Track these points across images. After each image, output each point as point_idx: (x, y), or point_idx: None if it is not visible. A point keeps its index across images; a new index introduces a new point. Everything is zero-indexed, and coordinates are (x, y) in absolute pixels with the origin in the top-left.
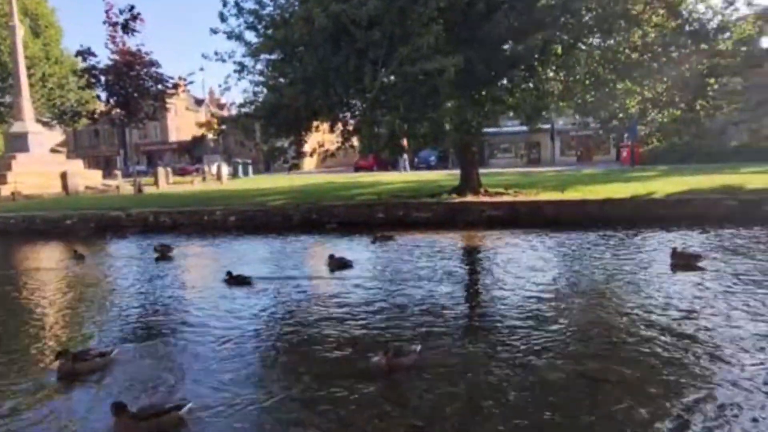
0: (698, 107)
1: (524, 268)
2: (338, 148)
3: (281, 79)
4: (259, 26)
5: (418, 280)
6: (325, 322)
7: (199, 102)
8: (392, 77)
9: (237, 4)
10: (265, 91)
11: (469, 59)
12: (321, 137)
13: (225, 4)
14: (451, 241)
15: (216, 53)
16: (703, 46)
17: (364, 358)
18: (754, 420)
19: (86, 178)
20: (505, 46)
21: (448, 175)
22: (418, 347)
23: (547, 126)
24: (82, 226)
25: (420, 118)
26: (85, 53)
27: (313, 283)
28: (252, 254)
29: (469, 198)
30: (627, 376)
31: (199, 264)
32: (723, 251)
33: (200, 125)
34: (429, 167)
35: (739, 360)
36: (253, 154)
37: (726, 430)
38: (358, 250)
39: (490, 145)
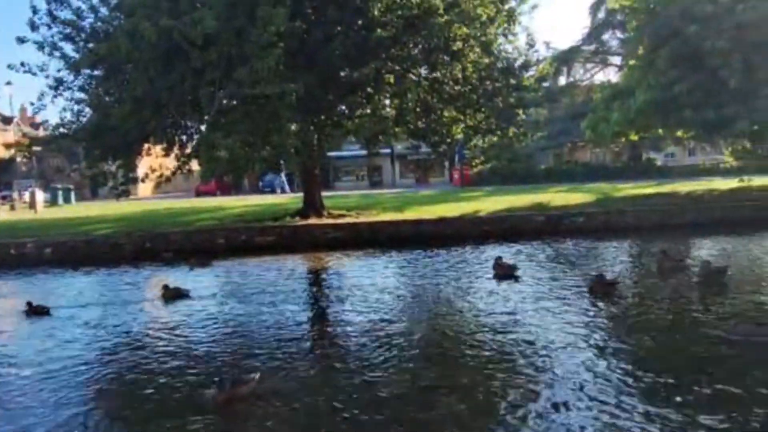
0: (511, 134)
1: (365, 286)
2: (174, 173)
3: (107, 98)
4: (78, 38)
5: (260, 305)
6: (153, 356)
7: (7, 120)
8: (232, 100)
9: (50, 13)
10: (87, 110)
11: (309, 84)
12: (155, 161)
13: (35, 12)
14: (295, 264)
15: (23, 64)
16: (512, 81)
17: (198, 392)
18: (568, 410)
19: None
20: (343, 73)
21: (293, 199)
22: (257, 375)
23: (387, 150)
24: None
25: (262, 142)
26: None
27: (145, 314)
28: (67, 289)
29: (313, 220)
30: (459, 382)
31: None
32: (536, 261)
33: (8, 146)
34: (274, 191)
35: (552, 363)
36: (76, 180)
37: (546, 426)
38: (196, 278)
39: (335, 168)
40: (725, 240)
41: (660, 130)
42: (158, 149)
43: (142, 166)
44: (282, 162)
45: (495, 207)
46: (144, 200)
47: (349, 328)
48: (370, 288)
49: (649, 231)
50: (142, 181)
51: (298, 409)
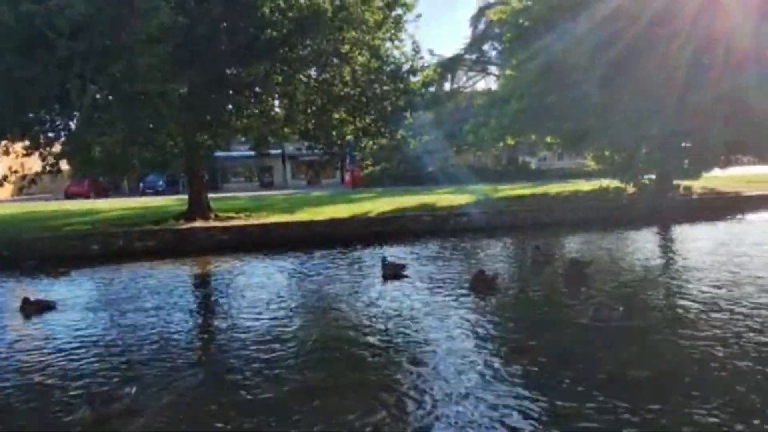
0: (399, 137)
1: (254, 291)
2: (40, 173)
3: None
4: None
5: (138, 314)
6: (12, 376)
7: None
8: (108, 95)
9: None
10: None
11: (194, 82)
12: (16, 161)
13: None
14: (179, 269)
15: None
16: (400, 84)
17: (66, 412)
18: (449, 403)
19: None
20: (230, 72)
21: (176, 201)
22: (133, 389)
23: (278, 151)
24: None
25: (144, 142)
26: None
27: (2, 332)
28: None
29: (199, 223)
30: (346, 381)
31: None
32: (423, 260)
33: None
34: (157, 192)
35: (435, 358)
36: None
37: (427, 419)
38: (66, 289)
39: (223, 169)
40: (588, 236)
41: (533, 136)
42: (18, 147)
43: (1, 167)
44: (149, 165)
45: (385, 208)
46: (2, 203)
47: (236, 334)
48: (260, 292)
49: (523, 229)
50: (0, 184)
51: (181, 422)
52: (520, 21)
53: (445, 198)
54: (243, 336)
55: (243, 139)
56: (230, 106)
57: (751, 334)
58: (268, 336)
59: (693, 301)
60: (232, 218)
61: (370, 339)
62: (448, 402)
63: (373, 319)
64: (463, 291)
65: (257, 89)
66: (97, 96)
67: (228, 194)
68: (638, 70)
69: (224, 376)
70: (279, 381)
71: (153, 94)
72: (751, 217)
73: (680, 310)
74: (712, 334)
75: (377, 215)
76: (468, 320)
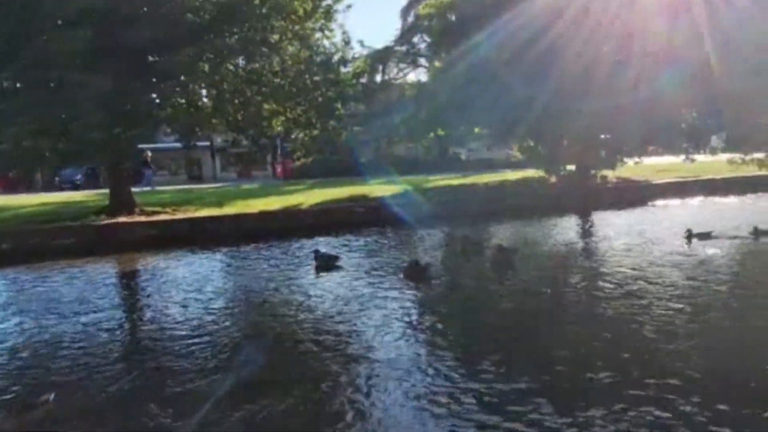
0: (330, 128)
1: (183, 287)
2: None
3: None
4: None
5: (56, 316)
6: None
7: None
8: (16, 82)
9: None
10: None
11: (115, 70)
12: None
13: None
14: (101, 267)
15: None
16: (330, 75)
17: None
18: (383, 391)
19: None
20: (152, 59)
21: (97, 195)
22: (51, 395)
23: (206, 143)
24: None
25: (59, 133)
26: None
27: None
28: None
29: (122, 219)
30: (279, 377)
31: None
32: (356, 251)
33: None
34: (75, 187)
35: (369, 348)
36: None
37: (365, 409)
38: None
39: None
40: (515, 224)
41: (462, 128)
42: None
43: None
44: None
45: (318, 199)
46: None
47: (163, 333)
48: (188, 289)
49: (454, 218)
50: None
51: (107, 425)
52: (448, 15)
53: (378, 189)
54: (170, 334)
55: (168, 130)
56: (154, 95)
57: (658, 309)
58: (198, 333)
59: (609, 282)
60: (157, 213)
61: (304, 332)
62: (382, 390)
63: (306, 312)
64: (397, 280)
65: (182, 78)
66: (5, 84)
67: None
68: (560, 66)
69: (154, 378)
70: (211, 378)
71: (71, 81)
72: (659, 203)
73: (597, 291)
74: (624, 311)
75: (310, 207)
76: (401, 309)
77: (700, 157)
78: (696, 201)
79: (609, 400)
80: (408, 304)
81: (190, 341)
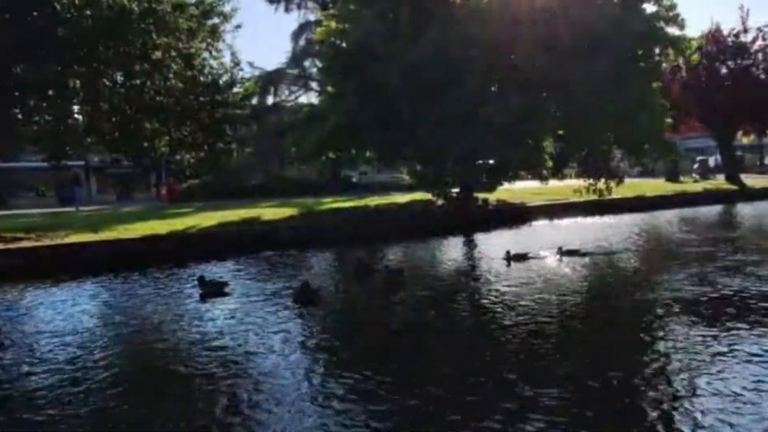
0: (218, 150)
1: (52, 322)
2: None
3: None
4: None
5: None
6: None
7: None
8: None
9: None
10: None
11: None
12: None
13: None
14: None
15: None
16: (218, 96)
17: None
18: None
19: None
20: (16, 70)
21: None
22: None
23: (80, 162)
24: None
25: None
26: None
27: None
28: None
29: None
30: (165, 412)
31: None
32: (245, 276)
33: None
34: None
35: (257, 373)
36: None
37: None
38: None
39: (10, 182)
40: (404, 246)
41: (353, 151)
42: None
43: None
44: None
45: (206, 223)
46: None
47: (30, 375)
48: (57, 324)
49: (345, 241)
50: None
51: None
52: (338, 42)
53: (269, 211)
54: (38, 376)
55: (35, 148)
56: (16, 110)
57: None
58: (70, 370)
59: (493, 302)
60: (19, 239)
61: (191, 361)
62: (274, 414)
63: (193, 341)
64: (287, 304)
65: (50, 92)
66: None
67: (16, 211)
68: (445, 93)
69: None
70: (85, 421)
71: None
72: (536, 223)
73: (481, 310)
74: (506, 326)
75: (197, 231)
76: (291, 332)
77: (552, 182)
78: (564, 222)
79: (491, 409)
80: (298, 327)
81: (61, 382)
